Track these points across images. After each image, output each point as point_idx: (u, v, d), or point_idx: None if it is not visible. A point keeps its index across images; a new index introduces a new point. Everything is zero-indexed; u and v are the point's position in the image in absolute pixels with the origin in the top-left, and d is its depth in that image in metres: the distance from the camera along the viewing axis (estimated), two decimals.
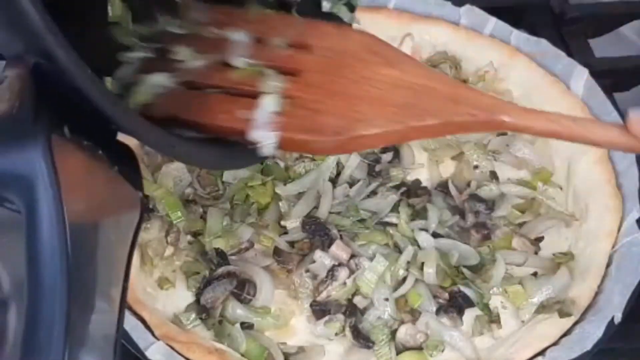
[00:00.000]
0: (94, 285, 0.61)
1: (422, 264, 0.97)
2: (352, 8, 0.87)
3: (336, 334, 0.92)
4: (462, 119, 0.70)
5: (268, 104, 0.69)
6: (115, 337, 0.64)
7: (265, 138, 0.68)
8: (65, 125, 0.60)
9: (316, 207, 1.01)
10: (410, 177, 1.08)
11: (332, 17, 0.85)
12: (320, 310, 0.93)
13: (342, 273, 0.94)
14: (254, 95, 0.70)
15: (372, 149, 1.00)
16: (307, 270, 0.96)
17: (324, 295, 0.94)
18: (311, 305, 0.94)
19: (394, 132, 0.71)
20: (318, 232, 0.98)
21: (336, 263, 0.95)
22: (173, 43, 0.74)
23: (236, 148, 0.71)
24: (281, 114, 0.69)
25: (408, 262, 0.97)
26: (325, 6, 0.85)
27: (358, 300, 0.94)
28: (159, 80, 0.70)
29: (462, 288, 0.96)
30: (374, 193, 1.04)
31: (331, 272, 0.94)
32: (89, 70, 0.56)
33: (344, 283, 0.94)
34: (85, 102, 0.57)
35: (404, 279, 0.96)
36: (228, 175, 1.03)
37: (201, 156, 0.71)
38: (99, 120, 0.60)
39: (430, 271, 0.96)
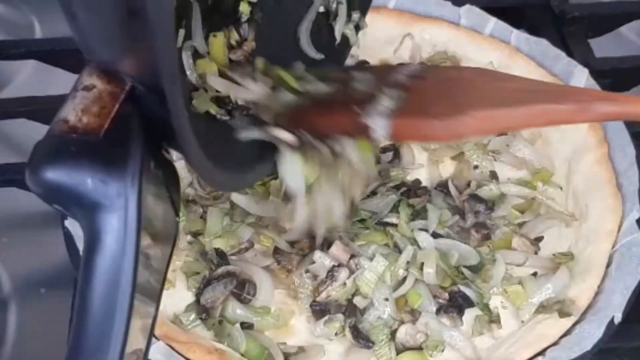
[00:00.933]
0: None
1: (422, 264, 0.97)
2: (358, 30, 0.96)
3: (336, 334, 0.92)
4: (568, 107, 0.75)
5: (384, 99, 0.77)
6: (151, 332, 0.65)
7: (378, 124, 0.75)
8: (152, 161, 0.59)
9: None
10: (410, 177, 1.08)
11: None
12: (319, 310, 0.93)
13: (342, 274, 0.94)
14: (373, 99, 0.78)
15: (484, 136, 1.00)
16: (307, 271, 0.96)
17: (323, 295, 0.94)
18: (311, 306, 0.94)
19: (503, 116, 0.76)
20: None
21: (336, 264, 0.95)
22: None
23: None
24: (395, 109, 0.77)
25: (408, 262, 0.97)
26: (337, 29, 0.94)
27: (358, 300, 0.94)
28: (289, 97, 0.80)
29: (462, 288, 0.96)
30: (373, 193, 1.03)
31: (331, 273, 0.94)
32: (183, 102, 0.56)
33: (344, 283, 0.94)
34: (165, 131, 0.57)
35: (404, 279, 0.96)
36: None
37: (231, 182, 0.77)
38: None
39: (430, 271, 0.96)
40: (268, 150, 0.81)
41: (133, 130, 0.58)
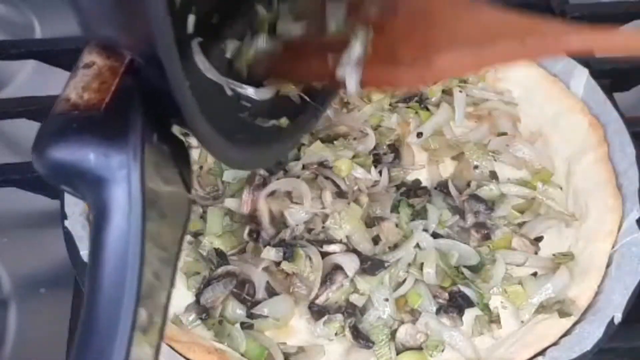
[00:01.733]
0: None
1: (422, 264, 0.97)
2: None
3: (336, 334, 0.92)
4: (532, 43, 0.75)
5: (355, 48, 0.79)
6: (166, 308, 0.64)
7: (351, 74, 0.78)
8: (155, 133, 0.58)
9: None
10: (410, 177, 1.08)
11: None
12: (318, 311, 0.93)
13: (339, 276, 0.94)
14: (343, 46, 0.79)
15: (453, 76, 1.00)
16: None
17: (322, 298, 0.94)
18: (309, 307, 0.94)
19: (471, 55, 0.78)
20: None
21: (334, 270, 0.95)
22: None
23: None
24: (366, 56, 0.78)
25: (408, 263, 0.97)
26: None
27: (355, 299, 0.94)
28: (262, 45, 0.82)
29: (462, 288, 0.96)
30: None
31: (329, 276, 0.94)
32: (183, 73, 0.55)
33: (341, 285, 0.94)
34: (168, 104, 0.57)
35: (404, 279, 0.96)
36: (228, 175, 1.03)
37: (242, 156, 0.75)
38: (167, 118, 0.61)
39: (430, 271, 0.96)
40: (285, 129, 0.81)
41: (133, 102, 0.57)
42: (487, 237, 1.01)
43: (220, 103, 0.76)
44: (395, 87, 0.94)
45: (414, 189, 1.05)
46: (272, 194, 1.00)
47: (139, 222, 0.56)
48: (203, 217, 0.99)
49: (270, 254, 0.94)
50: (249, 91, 0.79)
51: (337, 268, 0.95)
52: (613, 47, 0.76)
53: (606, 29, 0.74)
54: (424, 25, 0.82)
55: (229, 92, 0.78)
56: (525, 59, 0.93)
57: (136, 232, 0.55)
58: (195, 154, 1.02)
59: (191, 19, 0.73)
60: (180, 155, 0.65)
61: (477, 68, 0.94)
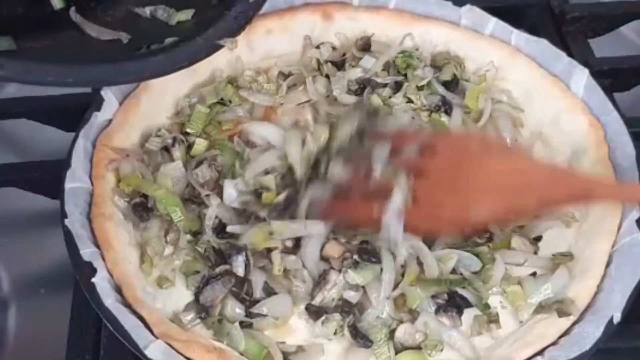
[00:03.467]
0: None
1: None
2: None
3: (335, 334, 0.92)
4: (557, 199, 0.91)
5: (397, 200, 0.93)
6: None
7: (394, 224, 0.93)
8: None
9: None
10: None
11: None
12: (316, 311, 0.93)
13: (333, 276, 0.94)
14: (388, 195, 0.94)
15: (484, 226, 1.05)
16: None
17: (318, 299, 0.94)
18: (306, 308, 0.94)
19: (498, 214, 0.93)
20: None
21: (327, 267, 0.95)
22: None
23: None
24: (408, 206, 0.93)
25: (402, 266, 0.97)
26: None
27: (350, 296, 0.94)
28: (316, 192, 0.98)
29: (460, 291, 0.95)
30: None
31: (323, 276, 0.95)
32: None
33: (335, 283, 0.94)
34: None
35: (402, 278, 0.96)
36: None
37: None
38: None
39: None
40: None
41: None
42: (489, 240, 1.00)
43: None
44: (435, 234, 0.99)
45: None
46: None
47: None
48: (200, 217, 0.99)
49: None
50: None
51: (331, 268, 0.95)
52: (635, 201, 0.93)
53: (631, 186, 0.94)
54: (461, 171, 0.94)
55: None
56: (554, 208, 1.01)
57: None
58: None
59: None
60: None
61: (511, 217, 0.99)
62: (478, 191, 0.92)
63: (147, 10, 0.98)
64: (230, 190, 1.00)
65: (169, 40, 0.93)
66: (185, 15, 0.99)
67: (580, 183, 0.92)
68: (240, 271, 0.94)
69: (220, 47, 0.97)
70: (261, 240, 0.95)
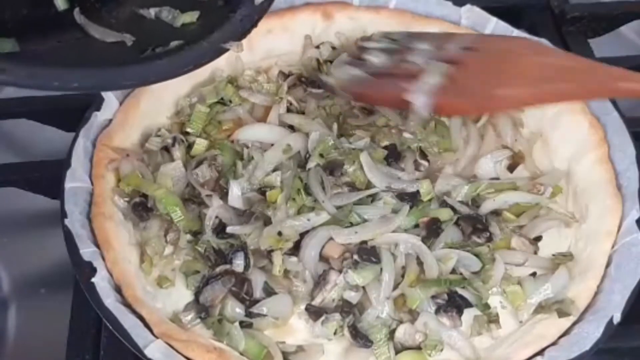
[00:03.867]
0: None
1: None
2: None
3: (335, 334, 0.92)
4: (588, 86, 0.91)
5: (428, 78, 0.94)
6: None
7: (420, 101, 0.93)
8: None
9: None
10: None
11: None
12: (316, 311, 0.93)
13: (333, 276, 0.94)
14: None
15: (512, 108, 1.10)
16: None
17: (318, 299, 0.94)
18: (306, 308, 0.94)
19: (529, 94, 0.92)
20: None
21: (327, 268, 0.95)
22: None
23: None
24: (437, 87, 0.94)
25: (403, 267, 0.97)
26: None
27: (350, 296, 0.94)
28: (355, 72, 1.04)
29: (460, 291, 0.95)
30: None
31: (323, 277, 0.95)
32: None
33: (335, 284, 0.94)
34: None
35: (401, 279, 0.96)
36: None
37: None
38: None
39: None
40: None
41: None
42: (489, 240, 1.00)
43: None
44: (461, 115, 1.02)
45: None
46: None
47: None
48: (201, 217, 0.99)
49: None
50: None
51: (330, 269, 0.95)
52: None
53: None
54: (498, 64, 0.95)
55: None
56: (579, 99, 1.03)
57: None
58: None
59: None
60: None
61: (534, 103, 1.00)
62: (507, 75, 0.94)
63: (151, 12, 0.97)
64: (237, 191, 0.99)
65: (174, 43, 0.93)
66: (190, 17, 0.98)
67: (609, 73, 0.93)
68: (239, 271, 0.94)
69: (225, 50, 0.96)
70: (274, 242, 0.95)
